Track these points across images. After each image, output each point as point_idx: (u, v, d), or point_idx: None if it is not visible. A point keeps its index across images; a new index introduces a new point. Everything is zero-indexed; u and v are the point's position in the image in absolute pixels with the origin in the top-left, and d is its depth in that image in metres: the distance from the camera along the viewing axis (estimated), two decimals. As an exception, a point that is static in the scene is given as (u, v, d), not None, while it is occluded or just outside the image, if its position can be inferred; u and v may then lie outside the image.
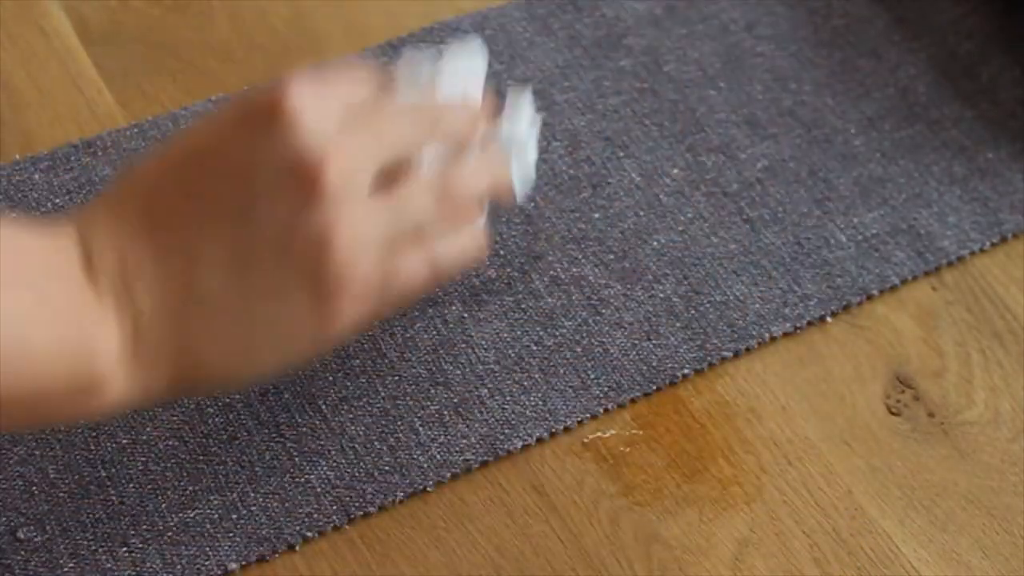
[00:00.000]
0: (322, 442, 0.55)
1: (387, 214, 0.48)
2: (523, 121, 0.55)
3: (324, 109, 0.46)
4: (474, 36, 0.57)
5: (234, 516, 0.53)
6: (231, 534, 0.53)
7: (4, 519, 0.52)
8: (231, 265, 0.46)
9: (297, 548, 0.53)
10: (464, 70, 0.54)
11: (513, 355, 0.58)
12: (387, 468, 0.55)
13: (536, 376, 0.57)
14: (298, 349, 0.48)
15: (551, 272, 0.60)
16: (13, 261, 0.44)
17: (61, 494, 0.53)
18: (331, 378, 0.57)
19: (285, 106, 0.46)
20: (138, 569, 0.52)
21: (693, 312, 0.60)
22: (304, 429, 0.55)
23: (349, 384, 0.56)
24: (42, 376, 0.44)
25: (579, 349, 0.58)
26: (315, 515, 0.53)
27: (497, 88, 0.65)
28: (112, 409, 0.46)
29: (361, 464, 0.55)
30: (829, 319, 0.61)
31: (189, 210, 0.46)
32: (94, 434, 0.54)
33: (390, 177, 0.48)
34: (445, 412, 0.56)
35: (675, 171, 0.64)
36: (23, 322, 0.43)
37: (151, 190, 0.47)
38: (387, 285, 0.48)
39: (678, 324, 0.59)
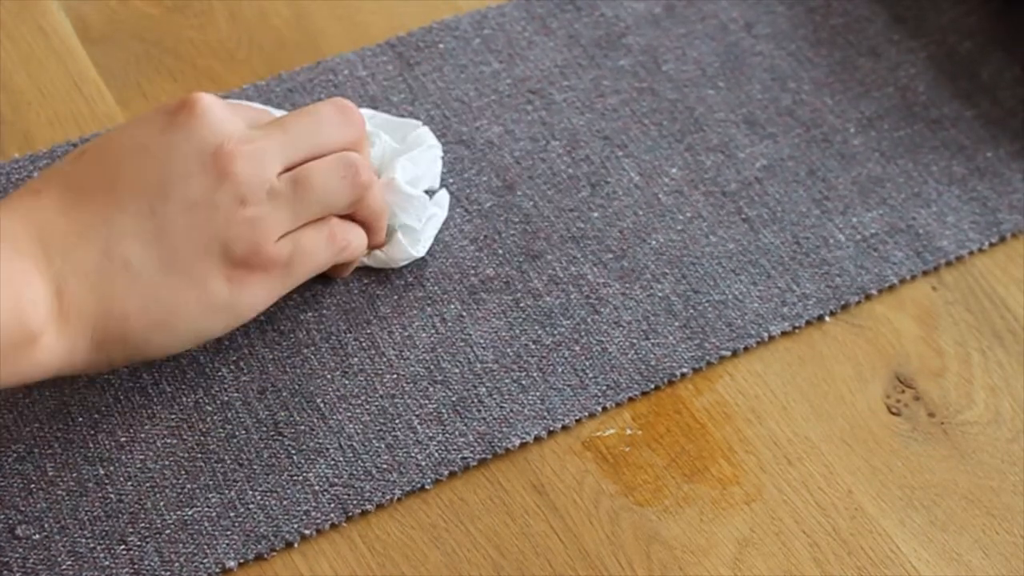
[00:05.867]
0: (320, 440, 0.55)
1: (293, 198, 0.53)
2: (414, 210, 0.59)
3: (233, 112, 0.53)
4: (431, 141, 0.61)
5: (232, 514, 0.53)
6: (229, 532, 0.53)
7: (2, 516, 0.52)
8: (147, 236, 0.50)
9: (295, 546, 0.53)
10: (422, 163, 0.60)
11: (511, 354, 0.58)
12: (385, 466, 0.55)
13: (534, 375, 0.57)
14: (212, 321, 0.52)
15: (550, 271, 0.60)
16: None
17: (59, 492, 0.53)
18: (329, 376, 0.57)
19: (200, 103, 0.52)
20: (136, 567, 0.52)
21: (692, 311, 0.60)
22: (302, 427, 0.55)
23: (347, 382, 0.56)
24: None
25: (577, 348, 0.58)
26: (313, 513, 0.53)
27: (497, 87, 0.66)
28: (47, 367, 0.50)
29: (359, 462, 0.55)
30: (828, 319, 0.60)
31: (106, 186, 0.51)
32: (92, 432, 0.54)
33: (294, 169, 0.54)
34: (443, 410, 0.56)
35: (674, 170, 0.64)
36: None
37: (71, 172, 0.52)
38: (293, 261, 0.53)
39: (677, 323, 0.59)
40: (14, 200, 0.51)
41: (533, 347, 0.58)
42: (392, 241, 0.59)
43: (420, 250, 0.59)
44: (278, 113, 0.57)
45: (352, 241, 0.56)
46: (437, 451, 0.55)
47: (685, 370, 0.58)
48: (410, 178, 0.58)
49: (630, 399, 0.57)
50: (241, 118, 0.53)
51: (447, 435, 0.56)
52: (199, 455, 0.54)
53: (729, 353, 0.59)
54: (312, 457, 0.55)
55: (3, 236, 0.49)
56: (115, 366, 0.53)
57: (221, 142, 0.51)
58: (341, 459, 0.55)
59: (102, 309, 0.50)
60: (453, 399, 0.56)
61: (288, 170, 0.53)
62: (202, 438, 0.55)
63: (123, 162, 0.51)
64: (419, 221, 0.59)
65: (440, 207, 0.60)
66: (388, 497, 0.54)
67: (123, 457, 0.54)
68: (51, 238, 0.50)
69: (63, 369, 0.50)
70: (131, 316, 0.50)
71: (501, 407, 0.56)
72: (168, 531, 0.52)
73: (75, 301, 0.49)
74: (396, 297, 0.59)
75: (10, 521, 0.52)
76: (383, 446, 0.55)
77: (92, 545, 0.52)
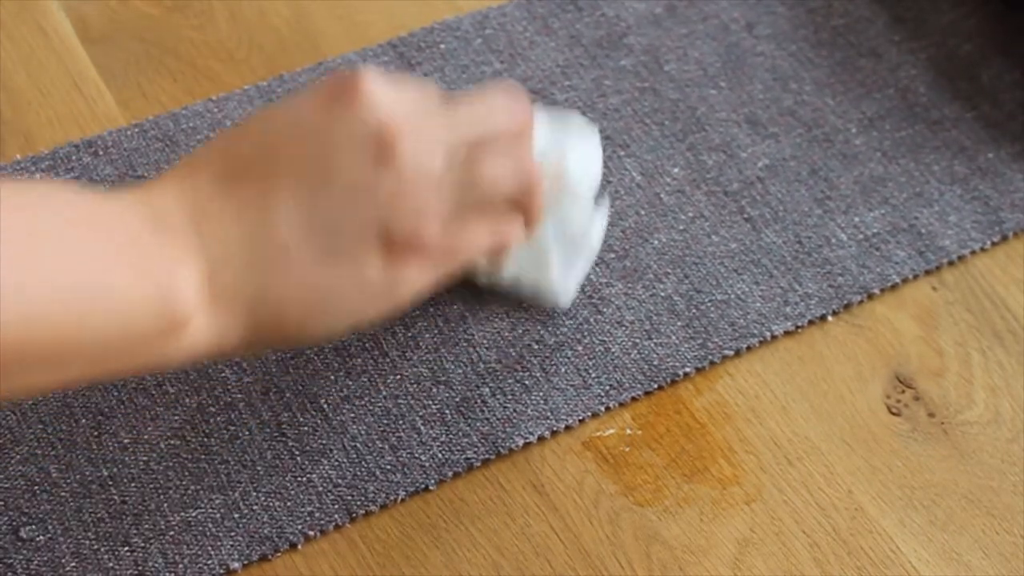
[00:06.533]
0: (324, 441, 0.55)
1: (457, 183, 0.50)
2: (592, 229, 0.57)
3: (400, 92, 0.49)
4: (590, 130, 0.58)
5: (236, 515, 0.53)
6: (233, 533, 0.53)
7: (7, 518, 0.52)
8: (306, 220, 0.48)
9: (299, 547, 0.53)
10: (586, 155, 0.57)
11: (514, 354, 0.58)
12: (389, 467, 0.55)
13: (537, 375, 0.58)
14: (369, 306, 0.50)
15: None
16: (81, 218, 0.46)
17: (63, 493, 0.53)
18: (332, 377, 0.57)
19: (365, 83, 0.49)
20: (140, 568, 0.52)
21: (694, 311, 0.60)
22: (306, 428, 0.55)
23: (351, 383, 0.56)
24: (129, 318, 0.46)
25: (580, 348, 0.58)
26: (317, 514, 0.53)
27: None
28: (194, 353, 0.48)
29: (363, 463, 0.55)
30: (830, 318, 0.61)
31: (266, 168, 0.48)
32: (96, 433, 0.54)
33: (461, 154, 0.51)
34: (447, 411, 0.56)
35: (676, 170, 0.64)
36: (102, 270, 0.45)
37: (228, 151, 0.49)
38: (453, 250, 0.51)
39: (679, 323, 0.59)
40: (170, 177, 0.49)
41: (536, 347, 0.58)
42: (541, 275, 0.57)
43: (564, 299, 0.58)
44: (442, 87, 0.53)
45: (513, 230, 0.53)
46: (441, 452, 0.55)
47: (688, 370, 0.58)
48: (576, 177, 0.56)
49: (632, 399, 0.58)
50: (407, 96, 0.50)
51: (451, 435, 0.56)
52: (203, 456, 0.54)
53: (732, 353, 0.59)
54: (316, 458, 0.55)
55: (157, 215, 0.47)
56: (267, 350, 0.52)
57: (386, 122, 0.48)
58: (345, 460, 0.55)
59: (257, 294, 0.48)
60: (456, 399, 0.57)
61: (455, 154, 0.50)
62: (206, 439, 0.55)
63: (282, 142, 0.49)
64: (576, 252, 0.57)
65: (596, 236, 0.58)
66: (392, 498, 0.54)
67: (127, 459, 0.54)
68: (206, 219, 0.48)
69: (212, 354, 0.49)
70: (286, 302, 0.48)
71: (504, 407, 0.57)
72: (172, 532, 0.52)
73: (229, 285, 0.47)
74: (398, 297, 0.59)
75: (14, 523, 0.52)
76: (387, 447, 0.55)
77: (96, 547, 0.52)
